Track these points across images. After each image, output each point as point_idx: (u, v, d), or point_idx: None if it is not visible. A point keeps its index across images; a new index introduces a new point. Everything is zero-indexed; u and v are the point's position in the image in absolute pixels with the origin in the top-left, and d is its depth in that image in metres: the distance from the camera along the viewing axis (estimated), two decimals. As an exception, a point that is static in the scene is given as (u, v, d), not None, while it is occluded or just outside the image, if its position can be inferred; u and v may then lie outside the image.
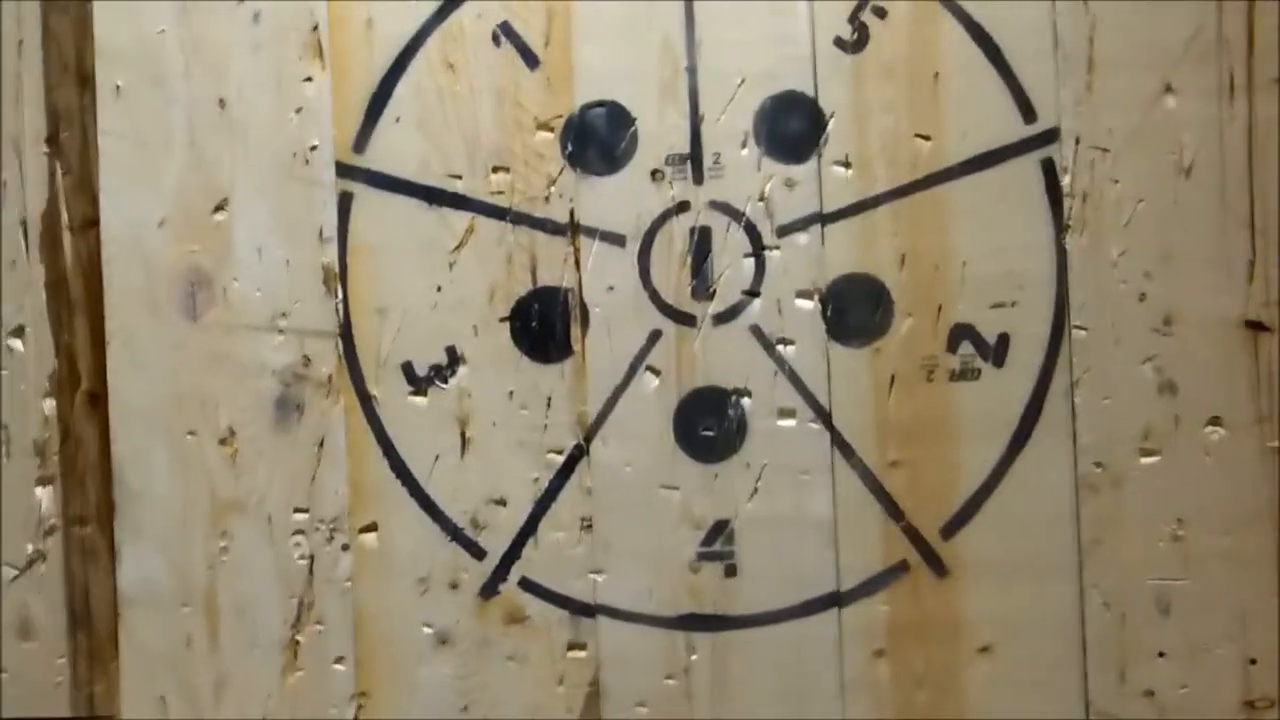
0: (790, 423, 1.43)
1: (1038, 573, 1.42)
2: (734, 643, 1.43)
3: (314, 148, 1.43)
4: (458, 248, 1.43)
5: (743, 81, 1.44)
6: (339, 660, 1.43)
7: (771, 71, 1.44)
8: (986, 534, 1.42)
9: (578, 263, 1.43)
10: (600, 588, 1.42)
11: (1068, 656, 1.42)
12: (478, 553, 1.43)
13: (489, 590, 1.43)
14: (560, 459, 1.43)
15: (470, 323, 1.43)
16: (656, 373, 1.43)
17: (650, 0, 1.44)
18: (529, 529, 1.43)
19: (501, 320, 1.43)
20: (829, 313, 1.43)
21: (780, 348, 1.43)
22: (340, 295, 1.42)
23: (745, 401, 1.43)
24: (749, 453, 1.43)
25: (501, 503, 1.43)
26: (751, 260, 1.43)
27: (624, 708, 1.43)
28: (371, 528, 1.42)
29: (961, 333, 1.43)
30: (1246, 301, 1.41)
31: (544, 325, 1.43)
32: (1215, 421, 1.42)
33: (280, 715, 1.43)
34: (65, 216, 1.43)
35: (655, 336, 1.43)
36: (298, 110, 1.43)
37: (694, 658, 1.43)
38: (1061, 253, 1.43)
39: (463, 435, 1.43)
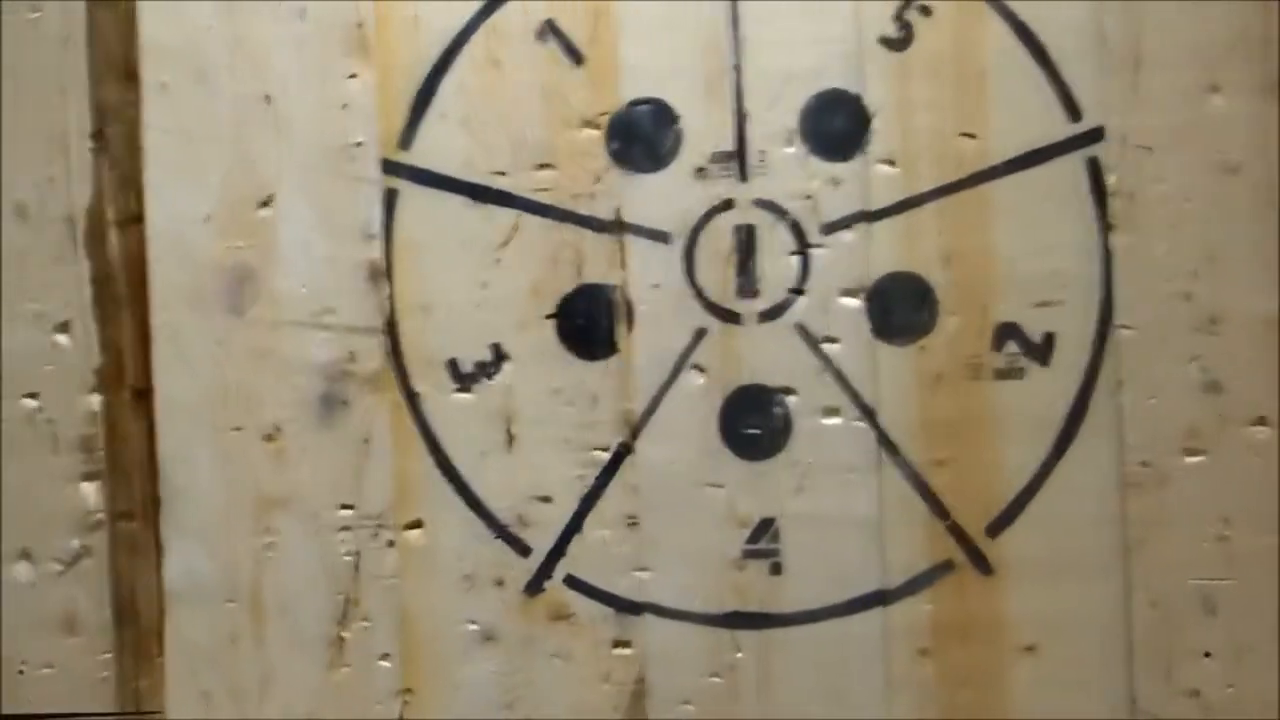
0: (835, 421, 1.44)
1: (1083, 572, 1.43)
2: (779, 641, 1.44)
3: (359, 144, 1.44)
4: (503, 245, 1.44)
5: (788, 79, 1.44)
6: (384, 657, 1.44)
7: (817, 69, 1.45)
8: (1031, 533, 1.43)
9: (623, 260, 1.44)
10: (645, 585, 1.43)
11: (1113, 656, 1.43)
12: (523, 550, 1.44)
13: (534, 587, 1.44)
14: (605, 456, 1.44)
15: (515, 319, 1.44)
16: (701, 370, 1.44)
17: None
18: (574, 526, 1.43)
19: (546, 317, 1.44)
20: (874, 311, 1.44)
21: (825, 346, 1.44)
22: (385, 292, 1.43)
23: (790, 400, 1.44)
24: (794, 451, 1.44)
25: (546, 500, 1.43)
26: (797, 258, 1.44)
27: (669, 706, 1.43)
28: (416, 524, 1.43)
29: (1007, 331, 1.44)
30: (1293, 300, 1.42)
31: (589, 322, 1.44)
32: (1261, 421, 1.43)
33: (325, 712, 1.44)
34: (111, 212, 1.44)
35: (700, 334, 1.44)
36: (343, 106, 1.44)
37: (739, 656, 1.44)
38: (1107, 252, 1.43)
39: (508, 432, 1.44)
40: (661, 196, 1.44)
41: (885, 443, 1.44)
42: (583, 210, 1.44)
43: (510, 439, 1.44)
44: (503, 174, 1.45)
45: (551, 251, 1.44)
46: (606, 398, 1.44)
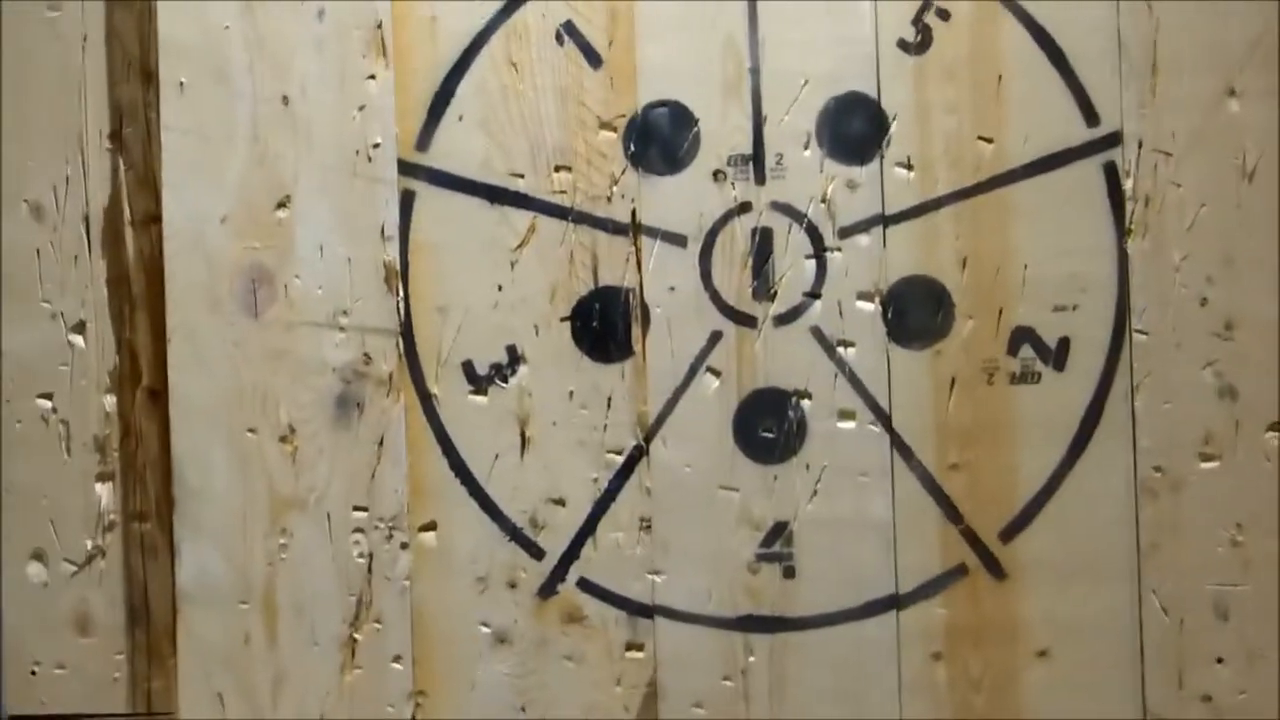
0: (850, 425, 1.44)
1: (1096, 577, 1.43)
2: (792, 644, 1.44)
3: (376, 145, 1.44)
4: (519, 247, 1.44)
5: (806, 82, 1.45)
6: (397, 659, 1.44)
7: (834, 73, 1.45)
8: (1045, 537, 1.44)
9: (639, 263, 1.44)
10: (659, 588, 1.44)
11: (1126, 661, 1.43)
12: (536, 552, 1.44)
13: (547, 590, 1.44)
14: (620, 459, 1.44)
15: (531, 322, 1.44)
16: (717, 374, 1.44)
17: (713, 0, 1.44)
18: (588, 529, 1.44)
19: (562, 320, 1.44)
20: (890, 315, 1.44)
21: (841, 349, 1.44)
22: (401, 293, 1.43)
23: (805, 403, 1.44)
24: (809, 454, 1.44)
25: (561, 502, 1.44)
26: (813, 262, 1.45)
27: (681, 708, 1.44)
28: (430, 526, 1.44)
29: (1022, 336, 1.44)
30: (1309, 306, 1.42)
31: (605, 325, 1.44)
32: (1275, 426, 1.44)
33: (338, 713, 1.44)
34: (128, 212, 1.44)
35: (716, 337, 1.44)
36: (361, 108, 1.44)
37: (752, 659, 1.44)
38: (1123, 256, 1.44)
39: (522, 434, 1.44)
40: (678, 199, 1.45)
41: (900, 447, 1.45)
42: (600, 213, 1.45)
43: (525, 441, 1.44)
44: (520, 176, 1.45)
45: (568, 254, 1.45)
46: (621, 400, 1.44)
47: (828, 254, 1.45)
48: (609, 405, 1.44)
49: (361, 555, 1.44)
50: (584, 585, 1.45)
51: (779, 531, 1.44)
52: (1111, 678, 1.44)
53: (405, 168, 1.45)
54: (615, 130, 1.45)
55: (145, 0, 1.46)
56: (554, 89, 1.46)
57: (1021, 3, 1.46)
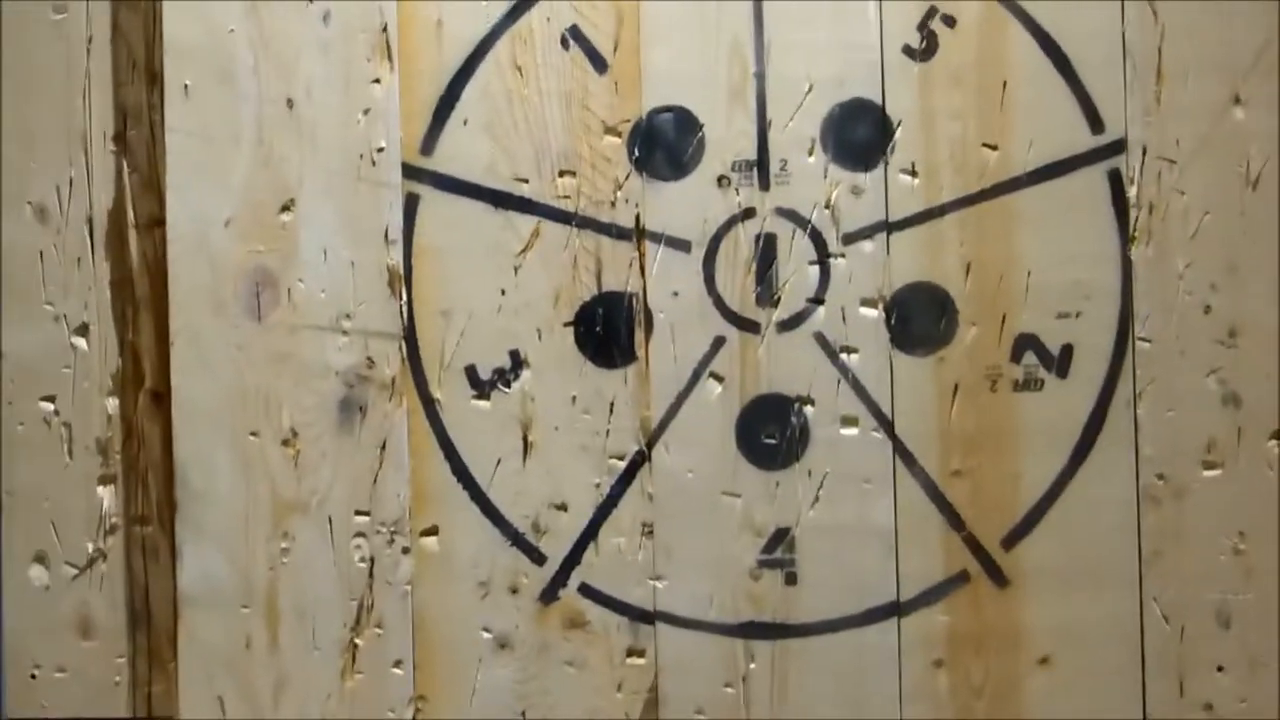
0: (853, 431, 1.45)
1: (1098, 584, 1.45)
2: (793, 651, 1.45)
3: (381, 149, 1.44)
4: (523, 251, 1.45)
5: (811, 88, 1.46)
6: (398, 664, 1.45)
7: (840, 78, 1.46)
8: (1047, 545, 1.45)
9: (643, 268, 1.45)
10: (660, 594, 1.44)
11: (1127, 668, 1.44)
12: (538, 558, 1.45)
13: (549, 595, 1.45)
14: (622, 464, 1.45)
15: (534, 326, 1.45)
16: (719, 379, 1.45)
17: (719, 3, 1.45)
18: (590, 534, 1.45)
19: (566, 324, 1.45)
20: (893, 321, 1.45)
21: (844, 356, 1.45)
22: (405, 297, 1.44)
23: (808, 409, 1.45)
24: (811, 461, 1.45)
25: (563, 508, 1.44)
26: (816, 268, 1.45)
27: (682, 714, 1.46)
28: (432, 531, 1.45)
29: (1025, 343, 1.45)
30: (1312, 314, 1.44)
31: (608, 330, 1.45)
32: (1279, 435, 1.43)
33: (339, 717, 1.45)
34: (132, 214, 1.45)
35: (719, 343, 1.45)
36: (365, 111, 1.45)
37: (753, 666, 1.45)
38: (1127, 264, 1.45)
39: (525, 439, 1.45)
40: (683, 204, 1.46)
41: (902, 453, 1.45)
42: (604, 218, 1.45)
43: (527, 446, 1.45)
44: (524, 180, 1.45)
45: (572, 259, 1.46)
46: (624, 405, 1.45)
47: (831, 260, 1.46)
48: (611, 410, 1.45)
49: (363, 559, 1.44)
50: (585, 591, 1.46)
51: (781, 538, 1.45)
52: (1113, 685, 1.45)
53: (409, 171, 1.46)
54: (620, 135, 1.46)
55: (151, 1, 1.46)
56: (559, 94, 1.46)
57: (1027, 9, 1.47)
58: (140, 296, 1.47)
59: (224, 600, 1.46)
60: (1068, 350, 1.46)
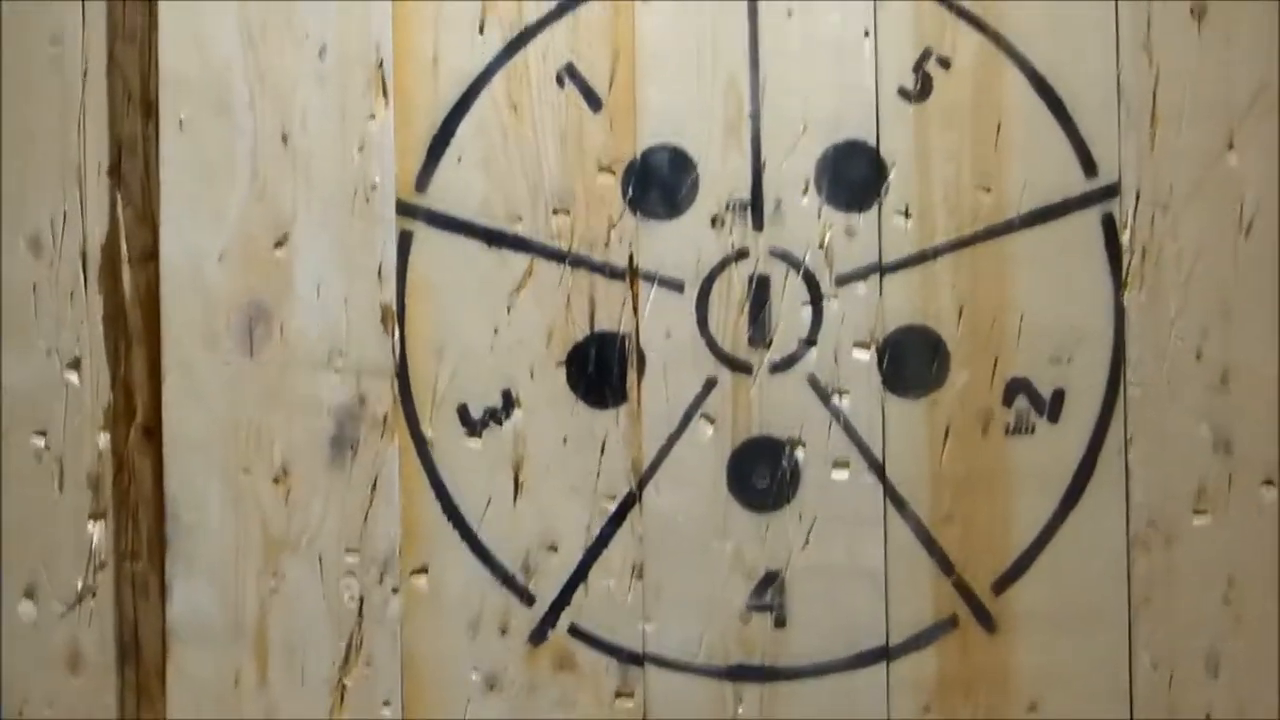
0: (844, 474, 1.46)
1: (1088, 630, 1.46)
2: (782, 694, 1.46)
3: (375, 185, 1.45)
4: (516, 290, 1.45)
5: (805, 128, 1.46)
6: (386, 703, 1.46)
7: (835, 119, 1.48)
8: (1037, 590, 1.46)
9: (635, 308, 1.45)
10: (649, 637, 1.45)
11: (1116, 715, 1.45)
12: (527, 598, 1.46)
13: (538, 636, 1.46)
14: (613, 505, 1.45)
15: (527, 365, 1.45)
16: (711, 421, 1.46)
17: (715, 42, 1.45)
18: (580, 575, 1.46)
19: (558, 364, 1.45)
20: (885, 364, 1.46)
21: (836, 398, 1.46)
22: (397, 334, 1.44)
23: (799, 452, 1.46)
24: (802, 503, 1.46)
25: (553, 548, 1.45)
26: (809, 309, 1.46)
27: (670, 756, 1.45)
28: (422, 570, 1.46)
29: (1017, 387, 1.46)
30: (1304, 360, 1.45)
31: (600, 370, 1.45)
32: (1269, 482, 1.44)
33: (326, 755, 1.45)
34: (125, 248, 1.45)
35: (711, 384, 1.46)
36: (360, 147, 1.46)
37: (741, 709, 1.46)
38: (1120, 308, 1.46)
39: (516, 479, 1.46)
40: (676, 244, 1.47)
41: (893, 497, 1.46)
42: (597, 257, 1.46)
43: (518, 486, 1.46)
44: (519, 218, 1.46)
45: (565, 297, 1.46)
46: (616, 446, 1.46)
47: (824, 302, 1.47)
48: (603, 451, 1.46)
49: (353, 598, 1.45)
50: (575, 632, 1.46)
51: (771, 580, 1.46)
52: (1101, 731, 1.46)
53: (404, 208, 1.46)
54: (614, 174, 1.47)
55: (148, 33, 1.46)
56: (554, 131, 1.47)
57: (1022, 51, 1.48)
58: (133, 330, 1.47)
59: (213, 637, 1.47)
60: (1059, 395, 1.47)
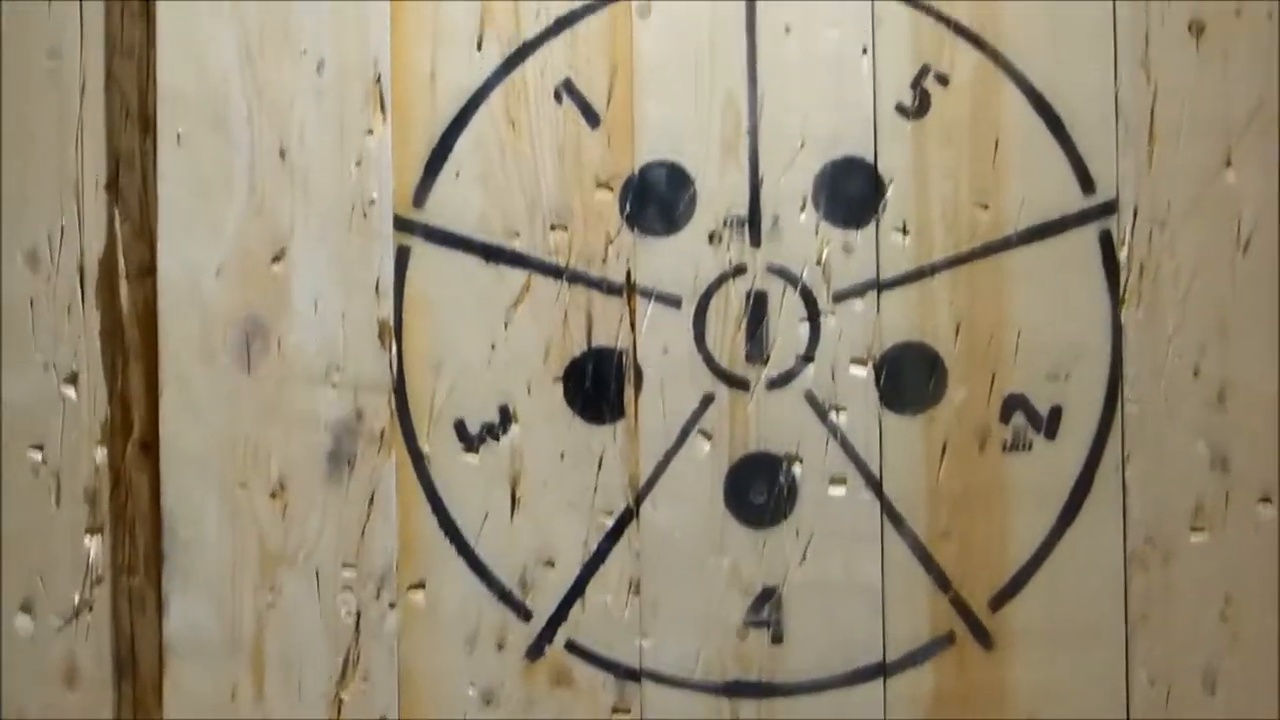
0: (841, 490, 1.46)
1: (1085, 647, 1.46)
2: (779, 710, 1.47)
3: (373, 201, 1.45)
4: (514, 305, 1.46)
5: (803, 144, 1.47)
6: (383, 718, 1.45)
7: (833, 135, 1.48)
8: (1034, 607, 1.47)
9: (633, 323, 1.46)
10: (646, 652, 1.46)
11: (1113, 733, 1.46)
12: (525, 614, 1.46)
13: (535, 652, 1.46)
14: (610, 521, 1.46)
15: (524, 381, 1.46)
16: (708, 436, 1.47)
17: (713, 57, 1.46)
18: (577, 591, 1.46)
19: (555, 380, 1.46)
20: (882, 380, 1.47)
21: (833, 414, 1.47)
22: (395, 350, 1.45)
23: (796, 468, 1.46)
24: (799, 519, 1.47)
25: (550, 564, 1.46)
26: (807, 325, 1.47)
27: (666, 772, 1.46)
28: (419, 585, 1.46)
29: (1014, 403, 1.47)
30: (1301, 377, 1.46)
31: (597, 385, 1.46)
32: (1266, 499, 1.45)
33: (323, 770, 1.46)
34: (123, 263, 1.46)
35: (708, 400, 1.46)
36: (358, 162, 1.47)
37: (738, 724, 1.46)
38: (1117, 325, 1.46)
39: (513, 495, 1.46)
40: (674, 260, 1.48)
41: (890, 513, 1.47)
42: (595, 273, 1.47)
43: (515, 501, 1.47)
44: (516, 234, 1.46)
45: (562, 313, 1.47)
46: (613, 462, 1.47)
47: (822, 318, 1.47)
48: (600, 466, 1.47)
49: (350, 613, 1.46)
50: (571, 647, 1.47)
51: (768, 596, 1.47)
52: (1098, 749, 1.47)
53: (401, 224, 1.47)
54: (612, 189, 1.48)
55: (146, 48, 1.47)
56: (552, 147, 1.48)
57: (1020, 68, 1.49)
58: (130, 345, 1.48)
59: (210, 651, 1.48)
60: (1056, 411, 1.48)
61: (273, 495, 1.49)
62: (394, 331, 1.49)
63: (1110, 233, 1.50)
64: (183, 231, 1.49)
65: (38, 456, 1.50)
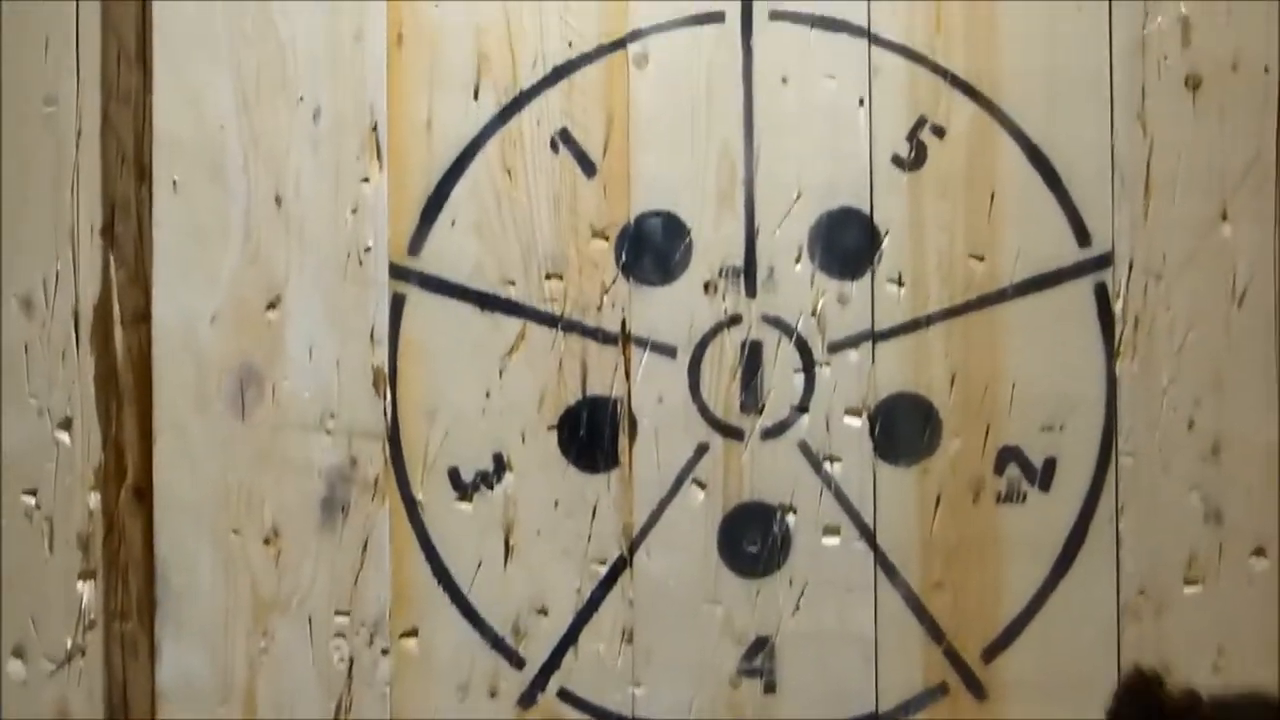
0: (834, 540, 1.48)
1: (1078, 699, 1.49)
2: (770, 761, 1.47)
3: (368, 249, 1.47)
4: (508, 353, 1.47)
5: (799, 195, 1.48)
6: (375, 766, 1.47)
7: (829, 186, 1.51)
8: (1027, 658, 1.48)
9: (628, 373, 1.47)
10: (639, 700, 1.47)
11: (1104, 785, 1.45)
12: (517, 661, 1.48)
13: (527, 700, 1.48)
14: (603, 569, 1.48)
15: (519, 429, 1.48)
16: (702, 486, 1.48)
17: (710, 108, 1.47)
18: (570, 639, 1.48)
19: (550, 428, 1.47)
20: (877, 431, 1.48)
21: (827, 465, 1.48)
22: (389, 397, 1.46)
23: (790, 518, 1.48)
24: (792, 569, 1.48)
25: (543, 611, 1.48)
26: (801, 376, 1.49)
27: (658, 821, 1.47)
28: (412, 632, 1.48)
29: (1009, 455, 1.48)
30: (1295, 431, 1.47)
31: (592, 434, 1.47)
32: (1260, 552, 1.46)
33: (314, 818, 1.47)
34: (118, 309, 1.47)
35: (703, 449, 1.48)
36: (354, 210, 1.48)
37: (729, 774, 1.47)
38: (1112, 377, 1.48)
39: (506, 543, 1.48)
40: (669, 310, 1.49)
41: (884, 564, 1.48)
42: (590, 322, 1.48)
43: (509, 549, 1.48)
44: (511, 283, 1.48)
45: (557, 362, 1.49)
46: (607, 510, 1.48)
47: (817, 368, 1.49)
48: (594, 515, 1.48)
49: (342, 660, 1.47)
50: (564, 695, 1.49)
51: (761, 646, 1.48)
52: (1089, 800, 1.47)
53: (396, 271, 1.49)
54: (608, 239, 1.49)
55: (143, 95, 1.48)
56: (548, 196, 1.49)
57: (1016, 121, 1.50)
58: (124, 391, 1.49)
59: (202, 698, 1.49)
60: (1051, 463, 1.49)
61: (266, 542, 1.50)
62: (388, 379, 1.51)
63: (1105, 285, 1.52)
64: (178, 278, 1.51)
65: (31, 501, 1.51)
